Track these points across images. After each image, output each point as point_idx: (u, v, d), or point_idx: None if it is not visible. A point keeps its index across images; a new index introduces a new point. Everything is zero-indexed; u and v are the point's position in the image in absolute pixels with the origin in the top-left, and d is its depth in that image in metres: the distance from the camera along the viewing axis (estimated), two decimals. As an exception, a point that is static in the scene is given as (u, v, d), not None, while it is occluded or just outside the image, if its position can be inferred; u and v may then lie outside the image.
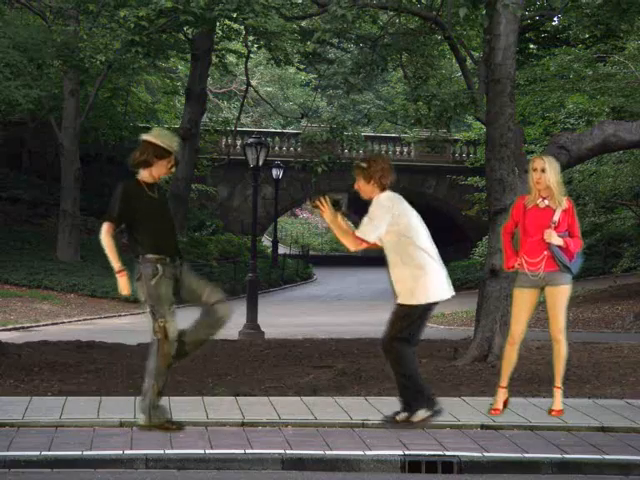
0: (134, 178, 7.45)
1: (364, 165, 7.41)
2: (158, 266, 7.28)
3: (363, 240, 7.36)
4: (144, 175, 7.42)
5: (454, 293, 7.49)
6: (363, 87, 20.83)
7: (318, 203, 7.37)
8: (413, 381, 7.38)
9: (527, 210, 8.50)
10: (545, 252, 8.34)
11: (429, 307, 7.40)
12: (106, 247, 7.27)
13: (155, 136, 7.43)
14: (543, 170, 8.48)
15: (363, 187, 7.44)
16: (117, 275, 7.30)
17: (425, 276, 7.28)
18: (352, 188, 7.53)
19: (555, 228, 8.38)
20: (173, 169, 7.50)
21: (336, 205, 7.39)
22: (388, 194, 7.39)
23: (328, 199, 7.37)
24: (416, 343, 7.43)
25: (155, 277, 7.28)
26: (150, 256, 7.29)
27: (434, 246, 7.49)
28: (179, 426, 7.68)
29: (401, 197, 7.45)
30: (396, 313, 7.38)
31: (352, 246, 7.45)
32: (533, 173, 8.52)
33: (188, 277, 7.47)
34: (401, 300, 7.34)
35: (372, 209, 7.34)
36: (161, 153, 7.38)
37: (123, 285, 7.28)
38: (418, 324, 7.40)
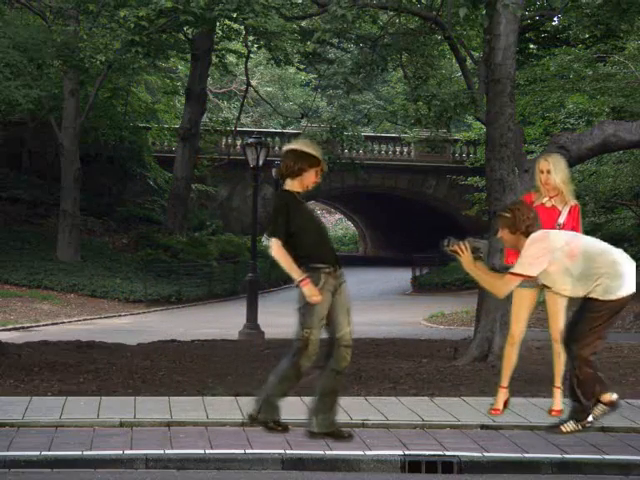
0: (284, 189, 7.49)
1: (508, 215, 7.26)
2: (322, 276, 7.35)
3: (523, 275, 7.15)
4: (294, 185, 7.46)
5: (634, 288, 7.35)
6: (363, 87, 20.87)
7: (457, 248, 7.28)
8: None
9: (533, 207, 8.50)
10: (547, 254, 8.34)
11: (625, 301, 7.36)
12: (283, 262, 7.31)
13: (304, 145, 7.51)
14: (549, 172, 8.58)
15: (507, 237, 7.31)
16: (301, 285, 7.31)
17: (618, 272, 7.19)
18: (496, 235, 7.37)
19: (560, 230, 8.38)
20: (319, 178, 7.52)
21: (475, 252, 7.29)
22: (538, 233, 7.23)
23: (468, 245, 7.27)
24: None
25: (317, 287, 7.35)
26: (314, 265, 7.34)
27: (606, 244, 7.38)
28: (285, 427, 7.76)
29: (547, 230, 7.36)
30: (587, 309, 7.27)
31: (499, 289, 7.35)
32: (540, 175, 8.67)
33: (341, 299, 7.57)
34: (595, 296, 7.21)
35: (529, 248, 7.16)
36: (312, 162, 7.44)
37: (311, 292, 7.31)
38: (612, 320, 7.43)
